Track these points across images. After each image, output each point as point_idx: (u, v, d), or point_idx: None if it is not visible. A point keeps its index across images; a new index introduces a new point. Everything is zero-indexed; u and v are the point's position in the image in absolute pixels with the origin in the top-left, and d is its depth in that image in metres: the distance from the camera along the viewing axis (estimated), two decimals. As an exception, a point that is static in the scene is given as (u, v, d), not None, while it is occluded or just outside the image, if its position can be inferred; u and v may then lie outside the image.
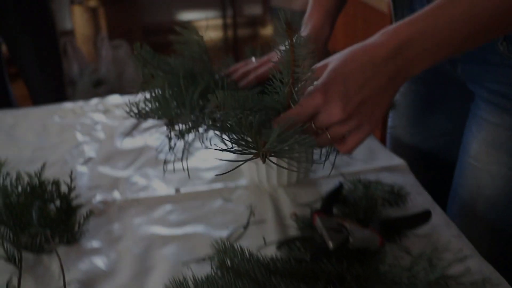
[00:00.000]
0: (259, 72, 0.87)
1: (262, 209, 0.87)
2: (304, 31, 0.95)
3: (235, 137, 0.60)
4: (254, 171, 0.92)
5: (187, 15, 4.62)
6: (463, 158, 0.93)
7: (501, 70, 0.82)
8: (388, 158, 1.00)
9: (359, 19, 1.99)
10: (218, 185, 0.94)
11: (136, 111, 0.84)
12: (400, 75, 0.64)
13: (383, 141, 1.12)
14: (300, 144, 0.61)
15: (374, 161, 1.00)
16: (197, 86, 0.74)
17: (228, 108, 0.63)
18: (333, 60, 0.66)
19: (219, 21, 4.56)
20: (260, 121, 0.64)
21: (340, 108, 0.63)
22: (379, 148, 1.05)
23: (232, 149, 0.60)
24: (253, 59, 0.94)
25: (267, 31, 4.56)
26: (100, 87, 3.34)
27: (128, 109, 0.84)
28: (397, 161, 0.99)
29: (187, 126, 0.74)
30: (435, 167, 1.11)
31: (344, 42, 2.21)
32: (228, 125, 0.62)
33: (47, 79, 2.22)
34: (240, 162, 0.60)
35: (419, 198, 0.88)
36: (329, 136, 0.66)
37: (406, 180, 0.93)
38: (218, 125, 0.68)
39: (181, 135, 0.74)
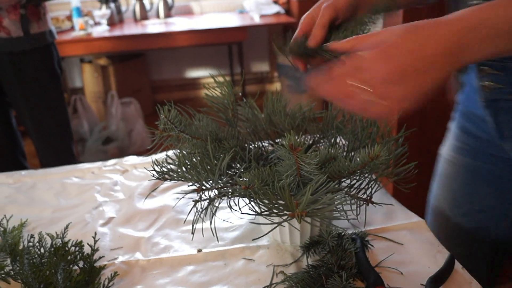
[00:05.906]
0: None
1: (284, 268, 0.88)
2: None
3: (267, 201, 0.62)
4: (275, 231, 0.93)
5: (195, 73, 4.72)
6: None
7: None
8: (407, 217, 1.01)
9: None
10: (240, 245, 0.95)
11: (160, 172, 0.86)
12: (457, 53, 0.62)
13: (396, 196, 1.12)
14: (331, 203, 0.62)
15: (393, 219, 1.00)
16: (225, 154, 0.77)
17: (256, 187, 0.65)
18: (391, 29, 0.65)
19: (227, 78, 4.63)
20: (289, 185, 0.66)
21: (385, 69, 0.62)
22: (397, 206, 1.05)
23: (264, 213, 0.62)
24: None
25: (275, 87, 4.64)
26: (110, 145, 3.37)
27: (152, 171, 0.87)
28: (416, 219, 1.00)
29: (216, 192, 0.76)
30: (468, 242, 1.12)
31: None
32: (261, 190, 0.64)
33: (52, 143, 2.25)
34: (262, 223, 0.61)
35: (439, 256, 0.88)
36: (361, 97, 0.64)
37: (425, 238, 0.94)
38: (250, 193, 0.70)
39: (209, 201, 0.76)
